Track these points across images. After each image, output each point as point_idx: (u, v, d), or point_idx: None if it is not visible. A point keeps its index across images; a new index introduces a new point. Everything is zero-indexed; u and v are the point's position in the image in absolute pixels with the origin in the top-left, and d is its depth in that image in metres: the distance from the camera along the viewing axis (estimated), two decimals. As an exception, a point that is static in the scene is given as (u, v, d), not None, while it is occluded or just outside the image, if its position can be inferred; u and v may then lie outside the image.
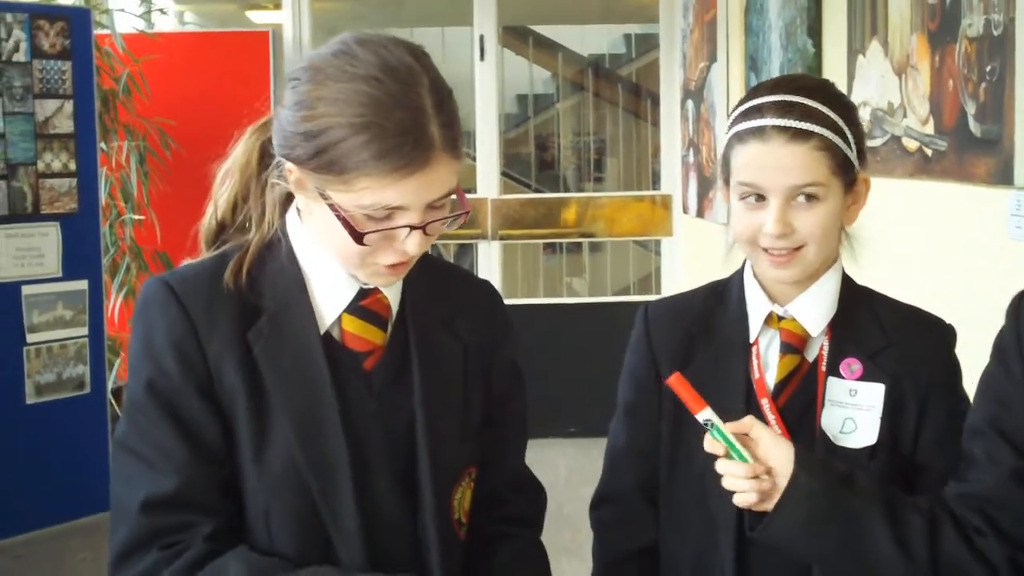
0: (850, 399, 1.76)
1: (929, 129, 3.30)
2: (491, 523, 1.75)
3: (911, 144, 3.40)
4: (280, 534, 1.57)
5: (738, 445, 1.61)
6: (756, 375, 1.80)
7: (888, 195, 3.58)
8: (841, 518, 1.59)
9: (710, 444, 1.63)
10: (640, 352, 1.90)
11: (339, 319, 1.61)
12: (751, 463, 1.61)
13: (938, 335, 1.83)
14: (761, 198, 1.73)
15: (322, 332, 1.60)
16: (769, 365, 1.81)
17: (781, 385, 1.80)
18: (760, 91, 1.79)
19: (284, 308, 1.59)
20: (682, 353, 1.85)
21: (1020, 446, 1.56)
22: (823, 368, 1.79)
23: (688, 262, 6.56)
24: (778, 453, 1.62)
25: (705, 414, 1.62)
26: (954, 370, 1.82)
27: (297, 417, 1.56)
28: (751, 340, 1.82)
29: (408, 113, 1.47)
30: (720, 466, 1.63)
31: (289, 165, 1.54)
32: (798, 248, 1.74)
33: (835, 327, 1.81)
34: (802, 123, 1.72)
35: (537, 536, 1.83)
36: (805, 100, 1.74)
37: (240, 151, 1.67)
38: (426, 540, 1.62)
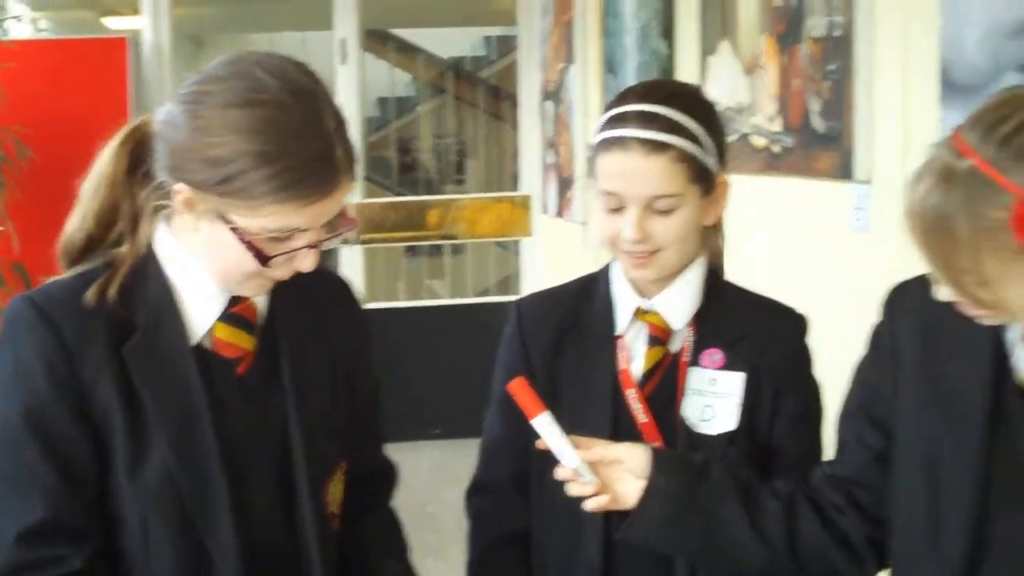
0: (710, 388, 1.83)
1: (776, 127, 3.42)
2: (350, 503, 1.79)
3: (759, 141, 3.53)
4: (158, 547, 1.58)
5: (571, 453, 1.68)
6: (622, 367, 1.86)
7: (738, 190, 3.70)
8: (699, 513, 1.65)
9: (542, 446, 1.70)
10: (513, 346, 1.96)
11: (211, 328, 1.63)
12: (578, 468, 1.68)
13: (791, 324, 1.91)
14: (621, 205, 1.80)
15: (194, 343, 1.62)
16: (636, 356, 1.88)
17: (647, 376, 1.86)
18: (628, 97, 1.84)
19: (156, 322, 1.60)
20: (553, 346, 1.91)
21: (886, 431, 1.62)
22: (685, 359, 1.86)
23: (548, 261, 6.65)
24: (635, 456, 1.68)
25: (540, 420, 1.68)
26: (805, 358, 1.90)
27: (172, 429, 1.57)
28: (617, 333, 1.88)
29: (316, 142, 1.50)
30: (559, 473, 1.70)
31: (180, 186, 1.54)
32: (655, 251, 1.81)
33: (699, 319, 1.87)
34: (661, 135, 1.77)
35: (388, 500, 1.94)
36: (667, 112, 1.79)
37: (107, 162, 1.64)
38: (304, 535, 1.66)
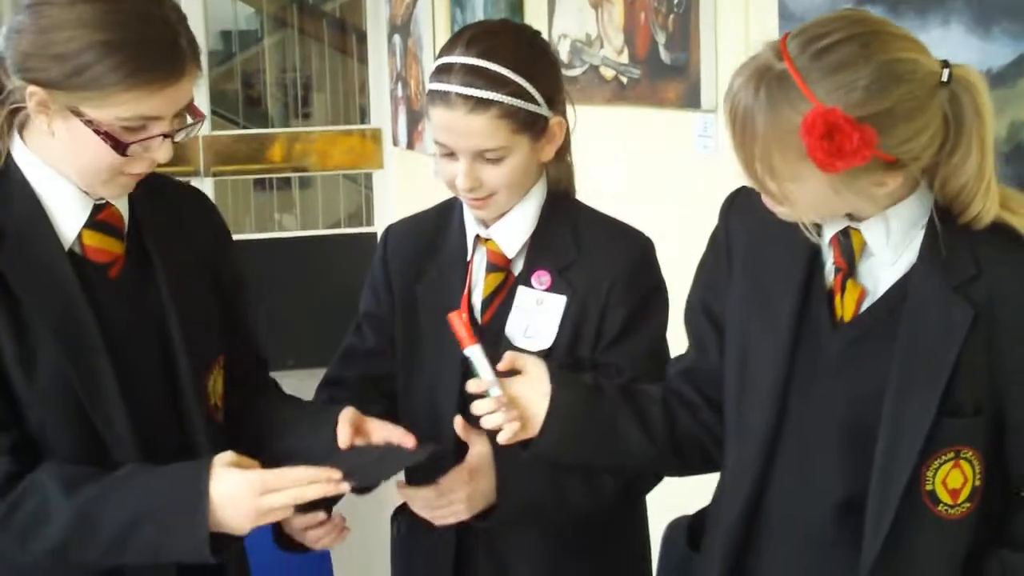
0: (535, 307, 1.93)
1: (624, 59, 3.55)
2: (236, 390, 1.89)
3: (608, 73, 3.65)
4: (58, 444, 1.65)
5: (493, 380, 1.75)
6: (465, 290, 1.98)
7: (588, 121, 3.82)
8: (597, 424, 1.77)
9: (473, 385, 1.77)
10: (379, 270, 2.07)
11: (79, 235, 1.70)
12: (500, 395, 1.75)
13: (626, 245, 1.99)
14: (452, 152, 1.88)
15: (67, 248, 1.68)
16: (478, 281, 1.99)
17: (488, 300, 1.97)
18: (456, 45, 1.89)
19: (27, 231, 1.66)
20: (414, 269, 2.03)
21: (721, 325, 1.76)
22: (516, 277, 1.97)
23: (400, 194, 6.71)
24: (539, 375, 1.77)
25: (470, 350, 1.76)
26: (640, 276, 1.97)
27: (57, 331, 1.64)
28: (467, 258, 1.99)
29: (159, 30, 1.61)
30: (476, 408, 1.76)
31: (32, 88, 1.61)
32: (489, 195, 1.91)
33: (534, 243, 1.97)
34: (484, 92, 1.83)
35: (276, 386, 2.03)
36: (490, 66, 1.85)
37: None
38: (192, 424, 1.75)
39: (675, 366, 1.87)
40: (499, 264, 1.97)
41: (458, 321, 1.78)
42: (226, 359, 1.86)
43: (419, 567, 2.06)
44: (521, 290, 1.96)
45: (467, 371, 1.91)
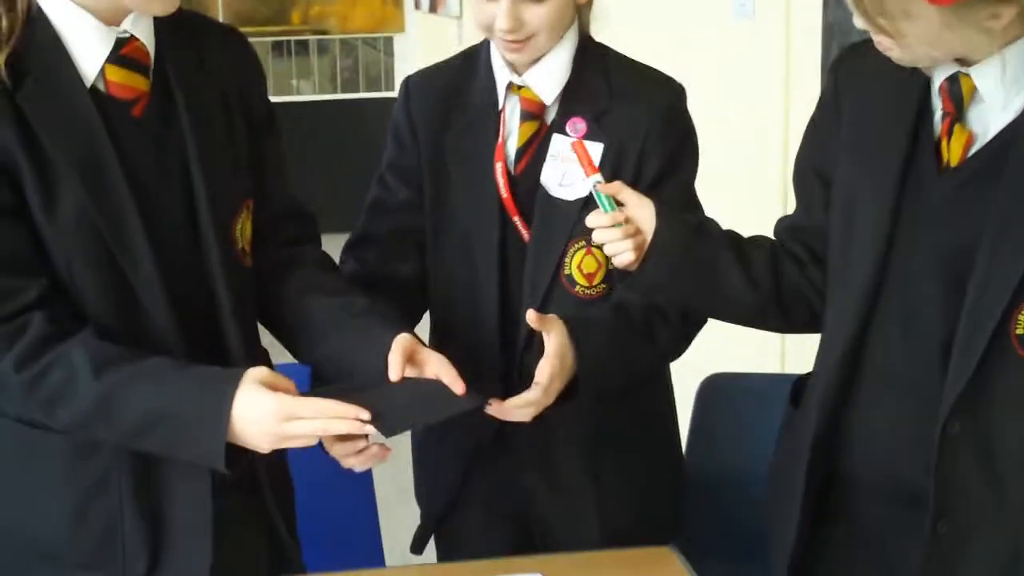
0: (571, 154, 1.85)
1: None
2: (272, 250, 1.84)
3: (644, -70, 3.56)
4: (83, 284, 1.62)
5: (615, 206, 1.72)
6: (500, 139, 1.91)
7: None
8: (698, 261, 1.75)
9: (593, 218, 1.73)
10: (401, 119, 1.99)
11: (103, 71, 1.65)
12: (616, 212, 1.72)
13: (661, 92, 1.94)
14: None
15: (89, 84, 1.64)
16: (512, 131, 1.92)
17: (522, 150, 1.91)
18: None
19: (48, 70, 1.62)
20: (439, 119, 1.95)
21: (829, 180, 1.74)
22: (549, 125, 1.91)
23: (422, 58, 6.63)
24: (642, 212, 1.73)
25: (594, 178, 1.73)
26: (675, 123, 1.93)
27: (80, 170, 1.60)
28: (499, 106, 1.92)
29: None
30: (600, 236, 1.73)
31: None
32: (529, 37, 1.84)
33: (568, 89, 1.90)
34: None
35: (318, 248, 1.92)
36: None
37: None
38: (211, 268, 1.70)
39: (782, 223, 1.86)
40: (534, 112, 1.91)
41: (581, 149, 1.74)
42: (256, 202, 1.81)
43: (452, 460, 2.03)
44: (556, 138, 1.90)
45: (505, 223, 1.90)
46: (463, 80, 1.96)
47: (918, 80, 1.63)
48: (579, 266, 1.90)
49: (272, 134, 1.86)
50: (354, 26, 6.84)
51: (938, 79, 1.61)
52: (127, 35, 1.67)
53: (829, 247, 1.73)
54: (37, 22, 1.64)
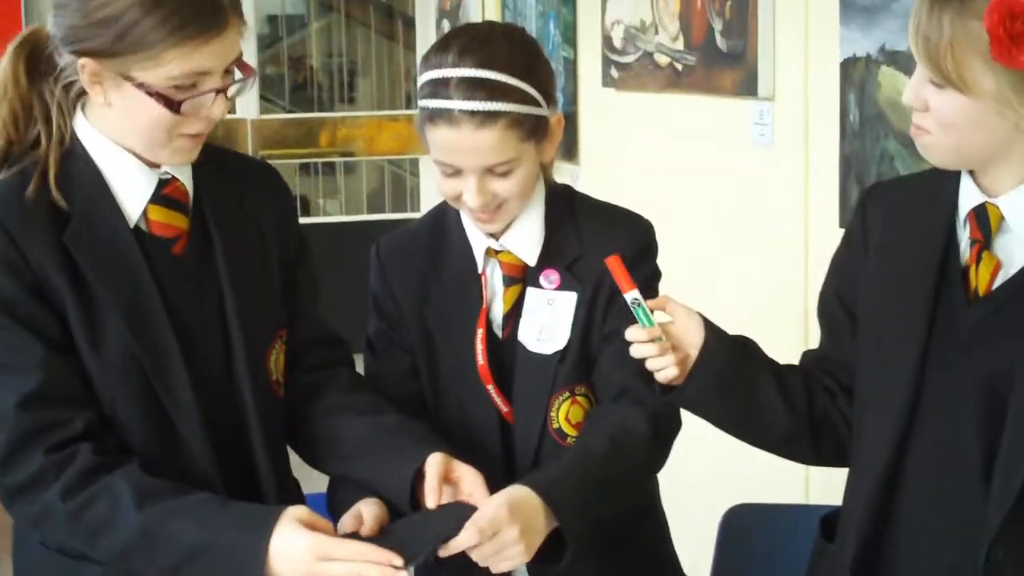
0: (547, 307, 1.86)
1: (679, 45, 3.53)
2: (304, 374, 1.87)
3: (663, 59, 3.63)
4: (127, 419, 1.68)
5: (656, 323, 1.71)
6: (484, 304, 1.88)
7: (642, 108, 3.82)
8: (742, 380, 1.75)
9: (632, 333, 1.71)
10: (380, 291, 1.96)
11: (145, 211, 1.71)
12: (654, 328, 1.70)
13: (629, 231, 1.91)
14: (458, 171, 1.78)
15: (132, 225, 1.70)
16: (495, 295, 1.90)
17: (509, 315, 1.89)
18: (447, 54, 1.79)
19: (92, 209, 1.68)
20: (417, 290, 1.92)
21: (855, 312, 1.76)
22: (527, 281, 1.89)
23: (445, 180, 6.68)
24: (690, 323, 1.74)
25: (633, 295, 1.70)
26: (645, 257, 1.90)
27: (124, 308, 1.66)
28: (480, 271, 1.89)
29: None
30: (639, 351, 1.71)
31: (83, 61, 1.64)
32: (499, 206, 1.82)
33: (543, 245, 1.88)
34: (490, 104, 1.74)
35: (351, 371, 1.94)
36: (491, 75, 1.76)
37: (6, 67, 1.72)
38: (243, 402, 1.75)
39: (809, 355, 1.87)
40: (516, 276, 1.89)
41: (617, 266, 1.72)
42: (289, 329, 1.85)
43: None
44: (531, 292, 1.88)
45: (503, 387, 1.87)
46: (435, 246, 1.94)
47: (945, 211, 1.66)
48: (566, 417, 1.87)
49: (304, 261, 1.91)
50: (380, 148, 6.93)
51: (964, 209, 1.65)
52: (168, 176, 1.73)
53: (857, 379, 1.74)
54: (80, 160, 1.70)
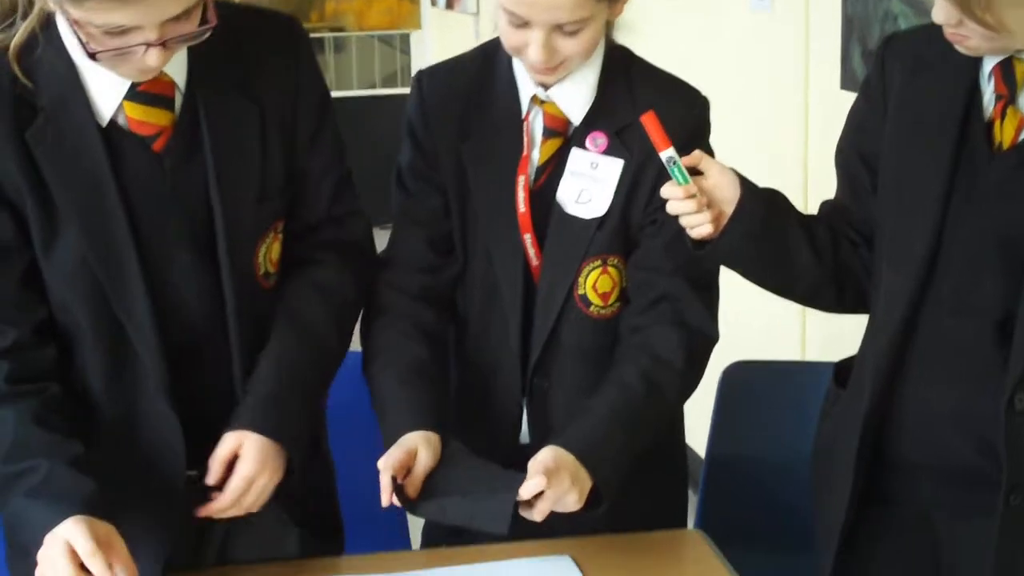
0: (590, 171, 1.81)
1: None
2: (300, 250, 1.79)
3: (662, -75, 3.58)
4: (78, 323, 1.64)
5: (692, 180, 1.69)
6: (524, 151, 1.83)
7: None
8: (775, 232, 1.74)
9: (668, 190, 1.69)
10: (417, 120, 1.89)
11: (122, 107, 1.61)
12: (690, 184, 1.68)
13: (687, 104, 1.86)
14: (525, 23, 1.72)
15: (105, 122, 1.61)
16: (536, 143, 1.84)
17: (543, 167, 1.83)
18: None
19: (60, 104, 1.60)
20: (457, 125, 1.86)
21: (875, 166, 1.76)
22: (570, 140, 1.83)
23: (439, 55, 6.62)
24: (723, 179, 1.71)
25: (668, 152, 1.67)
26: (696, 138, 1.84)
27: (81, 214, 1.60)
28: (523, 116, 1.84)
29: None
30: (675, 208, 1.69)
31: None
32: (562, 62, 1.76)
33: (592, 105, 1.82)
34: None
35: (351, 261, 1.82)
36: None
37: None
38: (225, 298, 1.68)
39: (827, 206, 1.87)
40: (558, 129, 1.83)
41: (652, 124, 1.68)
42: (292, 217, 1.77)
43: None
44: (575, 152, 1.83)
45: (536, 226, 1.83)
46: (482, 83, 1.87)
47: (967, 64, 1.65)
48: (594, 286, 1.84)
49: (320, 143, 1.78)
50: (370, 23, 6.86)
51: (989, 64, 1.64)
52: None
53: (877, 231, 1.75)
54: (54, 50, 1.60)
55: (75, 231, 1.60)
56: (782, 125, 3.12)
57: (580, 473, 1.66)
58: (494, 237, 1.85)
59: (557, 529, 1.77)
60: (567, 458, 1.67)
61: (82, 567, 1.46)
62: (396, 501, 1.64)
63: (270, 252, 1.75)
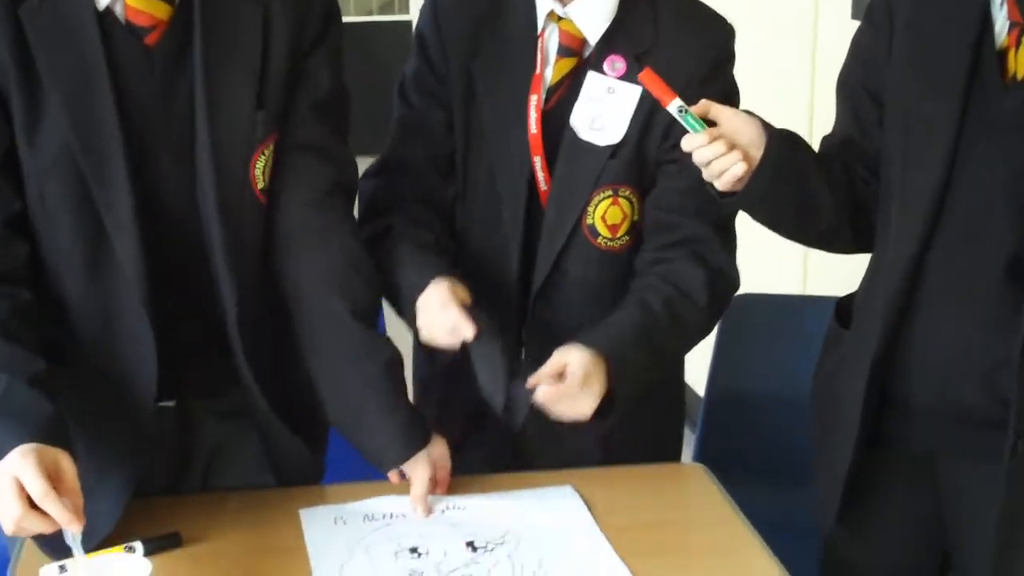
0: (607, 96, 1.77)
1: None
2: (298, 199, 1.70)
3: None
4: (56, 216, 1.57)
5: (705, 126, 1.60)
6: (537, 71, 1.79)
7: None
8: (796, 176, 1.67)
9: (689, 141, 1.60)
10: (429, 33, 1.85)
11: None
12: (712, 129, 1.60)
13: (711, 34, 1.82)
14: None
15: (101, 7, 1.56)
16: (549, 62, 1.80)
17: (555, 87, 1.79)
18: None
19: None
20: (469, 40, 1.82)
21: (881, 99, 1.70)
22: (587, 63, 1.79)
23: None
24: (737, 122, 1.63)
25: (676, 104, 1.60)
26: (720, 69, 1.81)
27: (70, 99, 1.54)
28: (538, 32, 1.79)
29: None
30: (692, 147, 1.60)
31: None
32: None
33: (611, 25, 1.78)
34: None
35: (342, 207, 1.75)
36: None
37: None
38: (206, 214, 1.61)
39: (831, 140, 1.79)
40: (573, 48, 1.78)
41: (651, 80, 1.61)
42: (283, 128, 1.68)
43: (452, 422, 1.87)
44: (591, 76, 1.78)
45: (546, 149, 1.79)
46: (497, 1, 1.83)
47: None
48: (603, 216, 1.80)
49: (322, 49, 1.70)
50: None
51: None
52: None
53: (883, 166, 1.70)
54: None
55: (62, 115, 1.53)
56: (789, 58, 3.08)
57: (600, 382, 1.65)
58: (499, 156, 1.82)
59: (552, 462, 1.78)
60: (594, 364, 1.65)
61: (33, 504, 1.37)
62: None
63: (267, 167, 1.67)
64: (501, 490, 1.73)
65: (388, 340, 1.72)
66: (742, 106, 1.76)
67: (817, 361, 1.86)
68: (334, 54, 1.73)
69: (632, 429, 1.78)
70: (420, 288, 1.72)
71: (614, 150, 1.78)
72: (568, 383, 1.63)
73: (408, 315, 1.75)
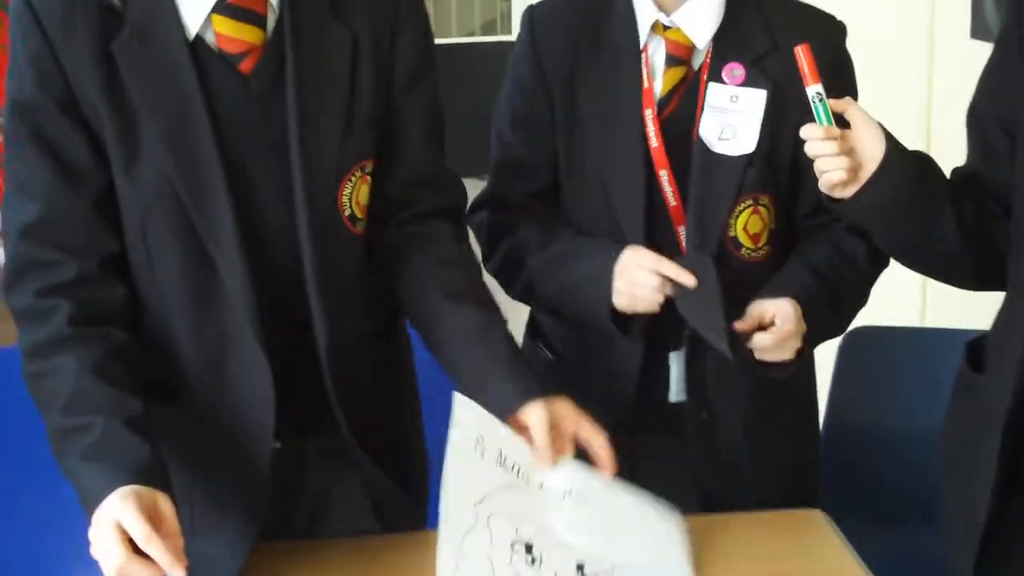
0: (731, 105, 1.75)
1: None
2: (399, 225, 1.70)
3: None
4: (159, 250, 1.57)
5: (833, 122, 1.60)
6: (646, 84, 1.77)
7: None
8: (922, 200, 1.62)
9: (808, 129, 1.60)
10: (527, 62, 1.84)
11: (210, 21, 1.55)
12: (832, 127, 1.59)
13: (826, 33, 1.79)
14: None
15: (192, 37, 1.54)
16: (656, 74, 1.78)
17: (667, 97, 1.77)
18: None
19: (148, 16, 1.53)
20: (569, 56, 1.81)
21: (1015, 131, 1.61)
22: (705, 76, 1.77)
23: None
24: (866, 131, 1.60)
25: (816, 88, 1.59)
26: (841, 66, 1.80)
27: (166, 131, 1.52)
28: (641, 46, 1.78)
29: None
30: (815, 148, 1.60)
31: None
32: None
33: (721, 32, 1.77)
34: None
35: (459, 232, 1.75)
36: None
37: None
38: (300, 241, 1.59)
39: (961, 173, 1.70)
40: (681, 57, 1.77)
41: (806, 55, 1.59)
42: (385, 163, 1.67)
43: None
44: (713, 87, 1.76)
45: (650, 176, 1.77)
46: (597, 13, 1.82)
47: None
48: (744, 227, 1.78)
49: (419, 87, 1.68)
50: (471, -32, 6.78)
51: None
52: None
53: (1016, 198, 1.60)
54: None
55: (159, 148, 1.52)
56: (904, 78, 2.98)
57: (800, 323, 1.70)
58: (613, 173, 1.79)
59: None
60: (792, 306, 1.70)
61: (136, 548, 1.36)
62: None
63: (357, 194, 1.65)
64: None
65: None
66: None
67: (948, 403, 1.76)
68: (432, 86, 1.70)
69: (780, 479, 1.84)
70: (615, 257, 1.73)
71: (750, 159, 1.76)
72: (785, 329, 1.68)
73: (596, 299, 1.75)
